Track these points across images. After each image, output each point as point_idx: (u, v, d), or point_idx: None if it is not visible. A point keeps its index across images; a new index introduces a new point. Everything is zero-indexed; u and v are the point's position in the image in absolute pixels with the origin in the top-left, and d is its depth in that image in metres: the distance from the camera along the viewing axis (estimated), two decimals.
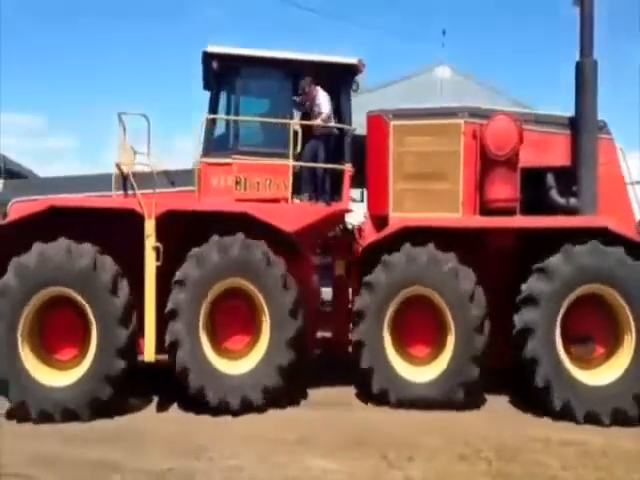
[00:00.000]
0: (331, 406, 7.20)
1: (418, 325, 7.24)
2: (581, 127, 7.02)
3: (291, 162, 7.46)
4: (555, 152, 7.33)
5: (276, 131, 7.72)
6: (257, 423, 6.68)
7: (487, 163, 7.28)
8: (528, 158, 7.40)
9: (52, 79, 55.90)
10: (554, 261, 6.72)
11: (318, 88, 7.90)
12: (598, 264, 6.63)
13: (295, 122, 7.53)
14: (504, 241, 7.19)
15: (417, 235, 7.21)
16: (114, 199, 7.34)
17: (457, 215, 7.53)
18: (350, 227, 8.66)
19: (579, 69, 7.02)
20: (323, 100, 7.83)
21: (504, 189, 7.21)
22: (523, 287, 6.82)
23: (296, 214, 7.38)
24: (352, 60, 7.74)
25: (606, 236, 6.67)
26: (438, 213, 7.53)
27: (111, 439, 6.16)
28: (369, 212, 8.10)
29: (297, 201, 7.63)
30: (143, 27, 59.09)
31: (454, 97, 17.82)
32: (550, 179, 7.36)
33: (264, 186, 7.61)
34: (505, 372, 7.45)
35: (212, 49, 7.59)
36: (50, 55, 57.22)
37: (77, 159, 53.83)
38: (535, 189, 7.42)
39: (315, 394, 7.62)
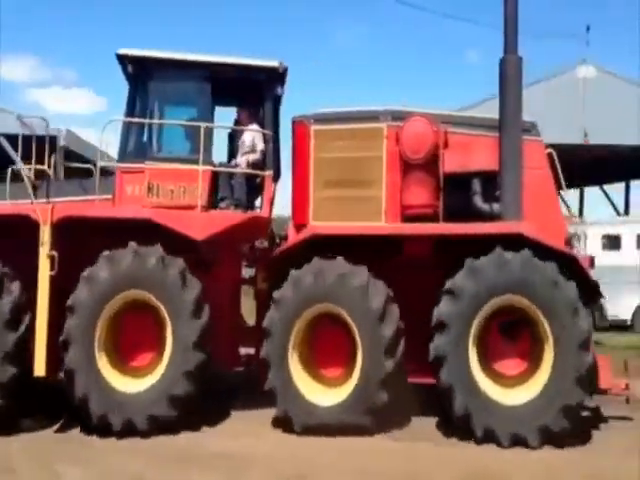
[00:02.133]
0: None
1: (330, 344, 6.75)
2: (504, 128, 6.56)
3: (201, 167, 7.08)
4: (481, 156, 6.87)
5: (191, 136, 7.39)
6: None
7: (407, 168, 6.84)
8: (453, 162, 6.96)
9: None
10: (458, 279, 6.25)
11: (254, 125, 7.62)
12: (506, 275, 6.13)
13: (206, 125, 7.16)
14: (421, 250, 6.73)
15: (333, 245, 6.79)
16: (9, 206, 7.01)
17: (380, 224, 7.10)
18: (277, 238, 8.27)
19: (502, 66, 6.59)
20: (256, 137, 7.53)
21: (423, 195, 6.76)
22: (434, 312, 6.35)
23: (206, 221, 6.99)
24: (272, 63, 7.40)
25: (525, 243, 6.17)
26: (360, 222, 7.10)
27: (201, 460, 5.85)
28: (293, 222, 7.69)
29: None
30: None
31: (600, 98, 17.61)
32: (475, 184, 6.90)
33: (178, 194, 7.24)
34: None
35: (125, 51, 7.31)
36: None
37: None
38: (461, 195, 6.96)
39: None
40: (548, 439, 6.07)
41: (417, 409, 7.02)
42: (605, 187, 27.22)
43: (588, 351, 6.04)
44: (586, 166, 22.05)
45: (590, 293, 6.33)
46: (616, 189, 26.95)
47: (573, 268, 6.14)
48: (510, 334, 6.42)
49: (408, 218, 6.98)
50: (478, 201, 6.84)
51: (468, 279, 6.21)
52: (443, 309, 6.30)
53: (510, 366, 6.44)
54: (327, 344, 6.80)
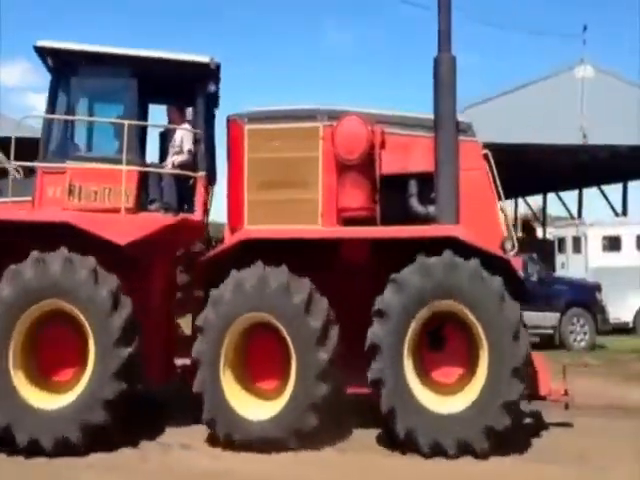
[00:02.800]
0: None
1: (266, 355, 6.42)
2: (439, 128, 6.39)
3: (124, 167, 6.69)
4: (419, 157, 6.68)
5: (118, 135, 6.98)
6: None
7: (343, 170, 6.60)
8: (390, 163, 6.75)
9: None
10: (406, 272, 6.03)
11: (186, 124, 7.29)
12: (449, 278, 5.93)
13: (129, 122, 6.77)
14: (357, 254, 6.49)
15: (269, 249, 6.48)
16: None
17: (316, 227, 6.84)
18: (214, 242, 7.93)
19: (436, 65, 6.41)
20: (185, 137, 7.19)
21: (359, 197, 6.53)
22: (377, 299, 6.12)
23: (130, 225, 6.59)
24: (203, 58, 7.06)
25: (459, 246, 6.00)
26: (296, 225, 6.82)
27: None
28: (228, 226, 7.37)
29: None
30: None
31: (598, 98, 17.41)
32: (413, 186, 6.70)
33: (102, 196, 6.83)
34: None
35: (43, 44, 6.87)
36: None
37: None
38: (399, 197, 6.76)
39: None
40: (494, 442, 5.87)
41: (360, 420, 6.75)
42: (602, 187, 27.29)
43: (519, 341, 5.86)
44: (584, 166, 22.11)
45: (522, 296, 6.18)
46: (613, 190, 27.03)
47: (508, 271, 6.00)
48: (438, 343, 6.25)
49: (345, 221, 6.75)
50: (415, 204, 6.65)
51: (394, 294, 6.00)
52: (375, 330, 6.05)
53: (448, 374, 6.26)
54: (264, 355, 6.47)
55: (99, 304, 6.09)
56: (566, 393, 6.87)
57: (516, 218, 38.25)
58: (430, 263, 5.97)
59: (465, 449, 5.88)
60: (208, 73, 7.10)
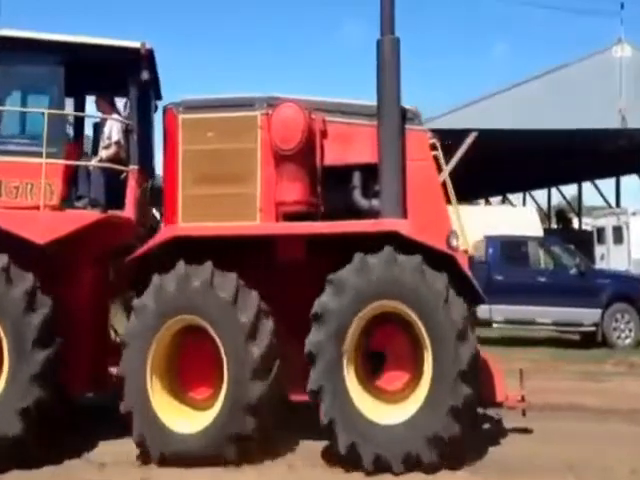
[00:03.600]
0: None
1: (198, 362, 6.00)
2: (382, 116, 5.96)
3: (44, 161, 6.21)
4: (362, 147, 6.24)
5: (41, 126, 6.49)
6: None
7: (280, 161, 6.15)
8: (332, 154, 6.31)
9: None
10: (344, 272, 5.60)
11: (115, 115, 6.85)
12: (389, 276, 5.50)
13: (50, 112, 6.29)
14: (295, 252, 6.05)
15: (204, 248, 6.03)
16: None
17: (255, 223, 6.39)
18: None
19: (379, 48, 5.97)
20: (114, 128, 6.73)
21: (296, 190, 6.06)
22: (315, 302, 5.68)
23: (51, 223, 6.11)
24: (133, 44, 6.58)
25: (403, 242, 5.58)
26: (233, 222, 6.37)
27: None
28: (164, 223, 6.90)
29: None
30: None
31: (638, 78, 16.72)
32: (356, 178, 6.28)
33: (24, 191, 6.35)
34: None
35: None
36: None
37: None
38: (342, 190, 6.33)
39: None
40: (444, 451, 5.43)
41: (303, 430, 6.29)
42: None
43: (465, 342, 5.44)
44: (623, 152, 21.28)
45: (471, 293, 5.76)
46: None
47: (453, 267, 5.57)
48: (378, 363, 5.83)
49: (285, 216, 6.31)
50: (358, 197, 6.22)
51: (332, 296, 5.57)
52: (312, 337, 5.61)
53: (393, 380, 5.83)
54: (195, 362, 6.04)
55: (12, 304, 5.65)
56: (523, 399, 6.47)
57: (549, 208, 37.78)
58: (369, 261, 5.54)
59: (411, 462, 5.43)
60: (139, 59, 6.61)
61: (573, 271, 13.39)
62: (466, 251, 7.15)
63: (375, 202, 6.10)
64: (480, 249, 14.07)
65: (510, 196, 39.94)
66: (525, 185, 36.21)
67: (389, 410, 5.66)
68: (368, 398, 5.72)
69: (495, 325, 13.58)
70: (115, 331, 7.45)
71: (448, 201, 6.37)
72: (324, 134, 6.28)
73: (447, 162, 19.60)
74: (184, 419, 5.91)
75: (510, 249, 14.04)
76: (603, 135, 18.68)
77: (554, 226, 33.51)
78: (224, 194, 6.44)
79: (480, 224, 14.70)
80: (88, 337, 6.62)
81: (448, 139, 18.73)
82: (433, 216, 6.05)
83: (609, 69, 17.29)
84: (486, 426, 7.07)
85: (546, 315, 13.30)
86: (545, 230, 17.91)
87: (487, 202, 39.86)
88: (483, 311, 13.20)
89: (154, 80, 7.19)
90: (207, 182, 6.46)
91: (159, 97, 7.75)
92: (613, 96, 17.20)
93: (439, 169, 6.29)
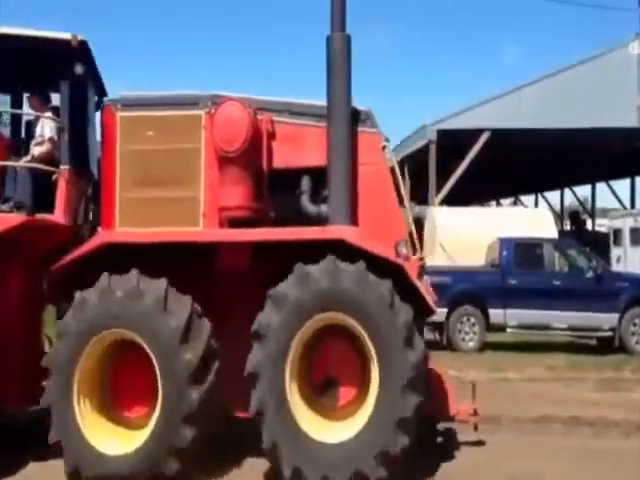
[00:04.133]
0: None
1: (130, 378, 5.61)
2: (331, 117, 5.64)
3: None
4: (312, 149, 5.91)
5: None
6: None
7: (224, 163, 5.77)
8: (280, 156, 5.98)
9: None
10: (283, 285, 5.27)
11: (47, 113, 6.41)
12: (333, 286, 5.19)
13: None
14: (238, 261, 5.68)
15: (143, 257, 5.64)
16: None
17: (197, 229, 6.02)
18: None
19: (329, 45, 5.66)
20: (45, 125, 6.31)
21: (240, 195, 5.68)
22: (247, 361, 5.33)
23: None
24: (63, 35, 6.13)
25: (350, 250, 5.27)
26: (174, 227, 5.98)
27: None
28: (102, 228, 6.46)
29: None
30: None
31: None
32: (305, 182, 5.95)
33: None
34: None
35: None
36: None
37: None
38: (290, 195, 6.00)
39: None
40: (394, 467, 5.11)
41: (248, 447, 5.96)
42: None
43: (411, 350, 5.14)
44: (639, 152, 21.18)
45: (421, 305, 5.46)
46: None
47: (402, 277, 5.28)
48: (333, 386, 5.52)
49: (230, 222, 5.94)
50: (307, 202, 5.88)
51: (272, 312, 5.24)
52: (252, 356, 5.27)
53: (341, 396, 5.50)
54: (128, 378, 5.64)
55: None
56: (475, 413, 6.24)
57: (562, 209, 37.02)
58: (308, 272, 5.23)
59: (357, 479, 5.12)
60: (71, 52, 6.17)
61: (589, 274, 13.04)
62: (421, 259, 6.90)
63: (324, 208, 5.78)
64: (493, 251, 13.85)
65: (522, 197, 39.51)
66: (537, 186, 35.66)
67: (336, 427, 5.33)
68: (314, 416, 5.38)
69: (509, 330, 13.24)
70: (50, 341, 6.99)
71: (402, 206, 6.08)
72: (271, 135, 5.94)
73: (459, 163, 19.44)
74: (118, 440, 5.50)
75: (524, 251, 13.61)
76: (619, 134, 18.49)
77: (567, 228, 32.90)
78: (165, 198, 6.04)
79: (493, 226, 14.74)
80: (18, 348, 6.16)
81: (459, 139, 18.85)
82: (384, 223, 5.76)
83: (626, 66, 17.04)
84: (440, 440, 6.84)
85: (562, 320, 12.96)
86: (559, 232, 17.47)
87: (498, 204, 39.55)
88: (497, 315, 13.08)
89: (92, 75, 6.76)
90: (147, 184, 6.06)
91: (103, 94, 7.31)
92: (630, 94, 16.99)
93: (392, 173, 6.00)
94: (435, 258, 15.17)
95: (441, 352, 12.57)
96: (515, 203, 38.11)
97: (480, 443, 6.63)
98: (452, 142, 18.31)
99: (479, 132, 18.60)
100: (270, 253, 5.66)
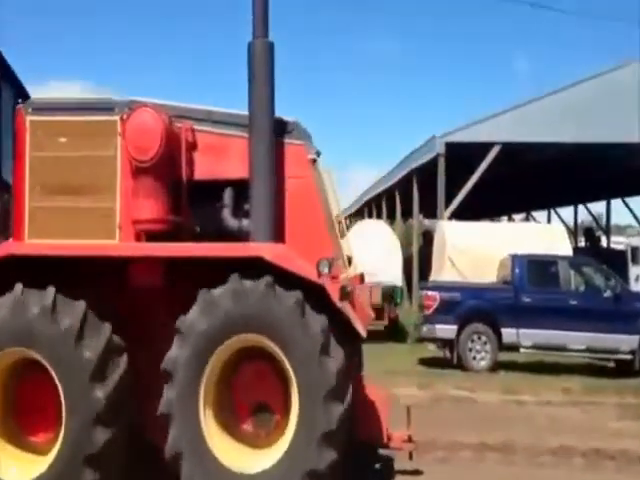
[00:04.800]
0: None
1: (38, 401, 5.21)
2: (253, 127, 5.35)
3: None
4: (235, 160, 5.61)
5: None
6: None
7: (139, 173, 5.42)
8: (202, 168, 5.64)
9: None
10: (188, 316, 4.97)
11: None
12: (239, 308, 4.89)
13: None
14: (150, 278, 5.33)
15: (54, 271, 5.26)
16: None
17: (113, 242, 5.66)
18: None
19: (250, 53, 5.37)
20: None
21: (154, 207, 5.33)
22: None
23: None
24: None
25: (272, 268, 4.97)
26: (89, 239, 5.60)
27: None
28: (13, 239, 6.04)
29: None
30: None
31: None
32: (227, 195, 5.64)
33: None
34: None
35: None
36: None
37: None
38: (212, 209, 5.68)
39: None
40: None
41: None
42: None
43: (331, 356, 4.87)
44: None
45: (346, 328, 5.14)
46: None
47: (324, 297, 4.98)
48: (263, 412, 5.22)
49: (148, 236, 5.59)
50: (228, 216, 5.58)
51: (180, 347, 4.93)
52: (171, 354, 4.96)
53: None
54: (34, 400, 5.22)
55: None
56: (410, 439, 5.99)
57: (576, 226, 35.92)
58: (212, 297, 4.96)
59: None
60: None
61: (607, 293, 12.60)
62: (362, 277, 6.69)
63: (245, 222, 5.49)
64: (505, 268, 13.37)
65: (534, 213, 38.51)
66: (550, 202, 34.91)
67: (262, 455, 5.03)
68: (237, 448, 5.07)
69: (522, 350, 12.78)
70: None
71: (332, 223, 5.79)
72: (192, 144, 5.61)
73: (468, 177, 18.81)
74: (20, 467, 5.11)
75: (538, 269, 13.12)
76: (634, 149, 18.31)
77: (581, 245, 32.34)
78: (78, 208, 5.66)
79: (504, 241, 14.23)
80: None
81: (469, 152, 18.30)
82: (310, 239, 5.48)
83: (628, 85, 16.82)
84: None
85: (578, 341, 12.51)
86: (573, 249, 17.05)
87: (510, 219, 38.75)
88: (510, 334, 12.62)
89: (7, 81, 6.35)
90: (58, 193, 5.66)
91: (23, 97, 6.90)
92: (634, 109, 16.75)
93: (320, 187, 5.72)
94: (444, 273, 14.82)
95: (451, 371, 12.33)
96: (527, 219, 37.34)
97: (417, 473, 6.32)
98: (461, 155, 17.84)
99: (489, 146, 18.22)
100: (189, 269, 5.35)
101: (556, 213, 37.22)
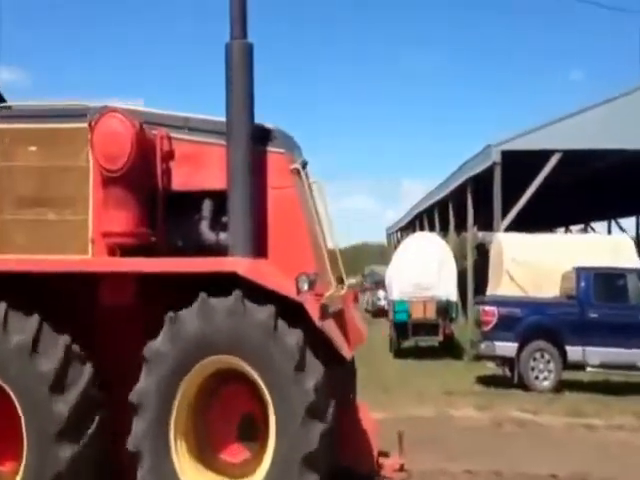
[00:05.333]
0: None
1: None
2: (230, 134, 5.01)
3: None
4: (213, 170, 5.27)
5: None
6: None
7: (110, 184, 5.09)
8: (178, 178, 5.31)
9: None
10: (155, 342, 4.66)
11: None
12: (207, 328, 4.56)
13: None
14: (120, 295, 4.99)
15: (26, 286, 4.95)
16: None
17: (86, 256, 5.33)
18: None
19: (227, 55, 5.03)
20: None
21: (124, 220, 4.99)
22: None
23: None
24: None
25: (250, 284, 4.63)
26: (60, 254, 5.28)
27: None
28: None
29: None
30: None
31: None
32: (205, 207, 5.30)
33: None
34: None
35: None
36: None
37: None
38: (189, 222, 5.34)
39: None
40: None
41: None
42: None
43: (305, 372, 4.53)
44: None
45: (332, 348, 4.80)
46: None
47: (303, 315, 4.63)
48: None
49: (122, 250, 5.26)
50: (205, 229, 5.24)
51: (147, 377, 4.61)
52: (132, 433, 4.63)
53: (236, 452, 4.86)
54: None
55: None
56: (402, 468, 5.62)
57: (638, 236, 32.67)
58: (179, 318, 4.65)
59: None
60: None
61: None
62: (355, 295, 6.35)
63: (223, 236, 5.15)
64: (569, 282, 12.62)
65: (593, 224, 36.91)
66: (611, 212, 33.36)
67: None
68: (206, 476, 4.73)
69: (589, 369, 12.02)
70: None
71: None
72: (168, 153, 5.27)
73: (526, 186, 18.00)
74: None
75: (605, 282, 12.33)
76: None
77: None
78: (49, 220, 5.36)
79: (566, 254, 13.32)
80: None
81: (527, 161, 17.16)
82: (291, 254, 5.12)
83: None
84: None
85: None
86: None
87: (567, 230, 37.12)
88: (575, 352, 11.93)
89: None
90: (28, 206, 5.37)
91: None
92: None
93: (303, 198, 5.38)
94: (502, 288, 13.95)
95: (512, 391, 11.62)
96: (585, 230, 35.93)
97: None
98: (518, 164, 17.15)
99: (549, 153, 17.55)
100: (161, 287, 5.01)
101: (617, 224, 35.45)
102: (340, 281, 5.99)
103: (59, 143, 5.38)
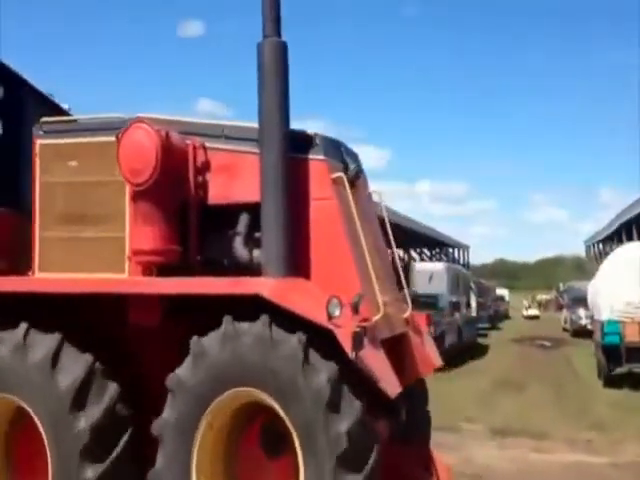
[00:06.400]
0: None
1: (25, 451, 4.80)
2: (263, 140, 4.57)
3: None
4: (251, 181, 4.85)
5: None
6: None
7: (140, 198, 4.78)
8: (215, 190, 4.95)
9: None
10: (179, 369, 4.27)
11: None
12: (231, 357, 4.09)
13: None
14: (148, 316, 4.66)
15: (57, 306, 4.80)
16: None
17: (122, 275, 5.08)
18: None
19: (260, 54, 4.59)
20: None
21: (152, 237, 4.69)
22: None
23: None
24: None
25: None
26: (97, 273, 5.08)
27: None
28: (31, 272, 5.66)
29: None
30: None
31: None
32: (240, 221, 4.89)
33: None
34: None
35: None
36: None
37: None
38: (224, 237, 4.95)
39: None
40: None
41: None
42: None
43: (338, 413, 3.94)
44: None
45: (362, 380, 4.17)
46: None
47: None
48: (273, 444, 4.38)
49: (159, 269, 4.95)
50: (239, 246, 4.81)
51: (170, 407, 4.24)
52: (161, 417, 4.29)
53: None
54: (27, 454, 4.80)
55: None
56: None
57: None
58: (202, 345, 4.26)
59: None
60: None
61: None
62: (428, 318, 5.72)
63: (257, 253, 4.70)
64: None
65: None
66: None
67: None
68: None
69: None
70: None
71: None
72: (203, 164, 4.94)
73: None
74: None
75: None
76: None
77: None
78: (89, 238, 5.18)
79: None
80: None
81: None
82: (330, 273, 4.58)
83: None
84: None
85: None
86: None
87: None
88: None
89: (30, 98, 6.04)
90: (69, 222, 5.21)
91: (28, 117, 6.53)
92: None
93: (347, 211, 4.81)
94: None
95: None
96: None
97: None
98: None
99: None
100: (189, 309, 4.64)
101: None
102: (405, 301, 5.40)
103: (98, 157, 5.18)
